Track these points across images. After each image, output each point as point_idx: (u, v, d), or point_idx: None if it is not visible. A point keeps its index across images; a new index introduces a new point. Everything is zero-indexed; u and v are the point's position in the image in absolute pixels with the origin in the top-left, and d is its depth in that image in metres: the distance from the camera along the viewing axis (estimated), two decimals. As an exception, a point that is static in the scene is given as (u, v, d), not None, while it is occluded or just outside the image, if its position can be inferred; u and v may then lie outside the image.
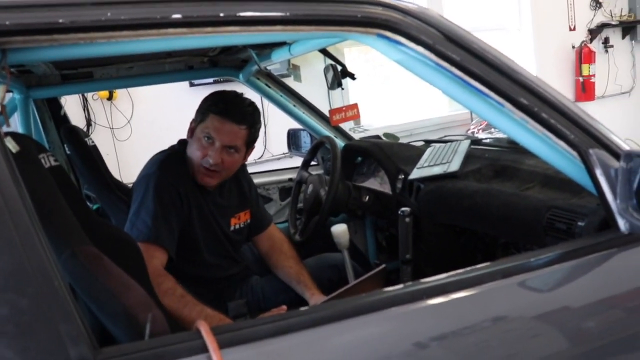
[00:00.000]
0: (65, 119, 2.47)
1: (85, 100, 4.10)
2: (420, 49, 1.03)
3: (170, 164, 1.74)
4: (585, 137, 1.06)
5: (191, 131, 1.76)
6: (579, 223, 1.19)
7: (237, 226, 1.91)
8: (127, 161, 4.13)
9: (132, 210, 1.69)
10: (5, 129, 1.05)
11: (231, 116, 1.69)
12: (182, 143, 1.81)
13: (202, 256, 1.79)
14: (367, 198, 2.19)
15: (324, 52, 2.05)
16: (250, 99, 1.80)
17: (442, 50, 1.03)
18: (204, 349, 0.75)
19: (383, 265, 1.56)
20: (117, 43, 0.93)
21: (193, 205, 1.74)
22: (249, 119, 1.72)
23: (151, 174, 1.71)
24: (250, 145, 1.79)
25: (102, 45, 0.93)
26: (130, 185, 2.31)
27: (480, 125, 4.85)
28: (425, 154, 2.06)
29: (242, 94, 1.80)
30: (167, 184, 1.69)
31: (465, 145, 2.01)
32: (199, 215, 1.76)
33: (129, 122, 4.22)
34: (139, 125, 4.24)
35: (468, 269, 0.97)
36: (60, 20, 0.85)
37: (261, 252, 2.01)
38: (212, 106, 1.70)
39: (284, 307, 1.64)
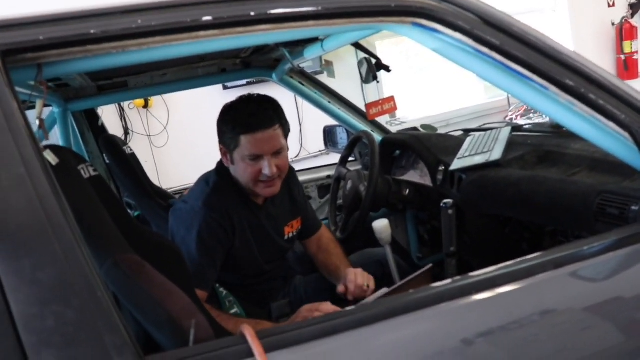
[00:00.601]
0: (103, 129, 2.52)
1: (122, 109, 4.19)
2: (457, 35, 1.00)
3: (216, 195, 1.68)
4: (637, 117, 1.00)
5: (225, 156, 1.69)
6: (633, 207, 1.13)
7: (291, 235, 1.88)
8: (165, 167, 4.20)
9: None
10: (44, 142, 1.06)
11: (260, 125, 1.61)
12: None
13: (248, 268, 1.77)
14: (408, 191, 2.15)
15: (357, 45, 2.02)
16: (260, 93, 1.71)
17: (480, 35, 0.99)
18: (249, 354, 0.74)
19: (430, 265, 1.51)
20: (149, 50, 0.93)
21: (241, 228, 1.70)
22: (275, 118, 1.65)
23: (197, 210, 1.64)
24: (287, 137, 1.72)
25: (135, 52, 0.93)
26: (170, 191, 2.34)
27: (519, 111, 4.75)
28: (465, 143, 2.01)
29: (248, 95, 1.70)
30: (212, 222, 1.63)
31: (506, 132, 1.95)
32: (247, 237, 1.72)
33: (165, 128, 4.29)
34: (175, 131, 4.30)
35: (518, 260, 0.93)
36: (92, 31, 0.86)
37: (310, 253, 2.00)
38: (237, 128, 1.61)
39: (328, 302, 1.61)
